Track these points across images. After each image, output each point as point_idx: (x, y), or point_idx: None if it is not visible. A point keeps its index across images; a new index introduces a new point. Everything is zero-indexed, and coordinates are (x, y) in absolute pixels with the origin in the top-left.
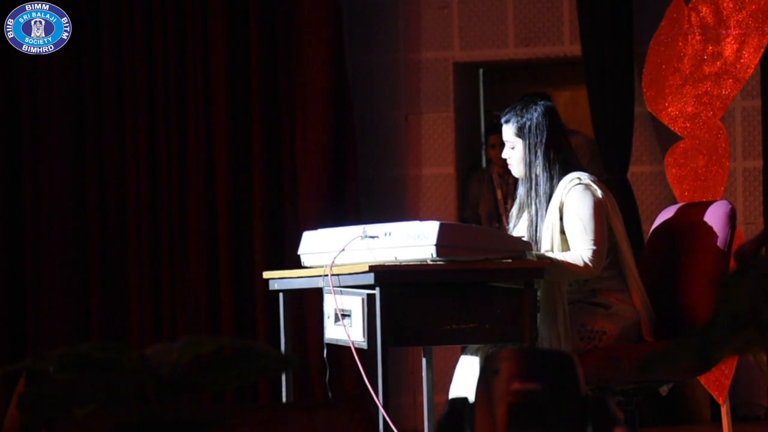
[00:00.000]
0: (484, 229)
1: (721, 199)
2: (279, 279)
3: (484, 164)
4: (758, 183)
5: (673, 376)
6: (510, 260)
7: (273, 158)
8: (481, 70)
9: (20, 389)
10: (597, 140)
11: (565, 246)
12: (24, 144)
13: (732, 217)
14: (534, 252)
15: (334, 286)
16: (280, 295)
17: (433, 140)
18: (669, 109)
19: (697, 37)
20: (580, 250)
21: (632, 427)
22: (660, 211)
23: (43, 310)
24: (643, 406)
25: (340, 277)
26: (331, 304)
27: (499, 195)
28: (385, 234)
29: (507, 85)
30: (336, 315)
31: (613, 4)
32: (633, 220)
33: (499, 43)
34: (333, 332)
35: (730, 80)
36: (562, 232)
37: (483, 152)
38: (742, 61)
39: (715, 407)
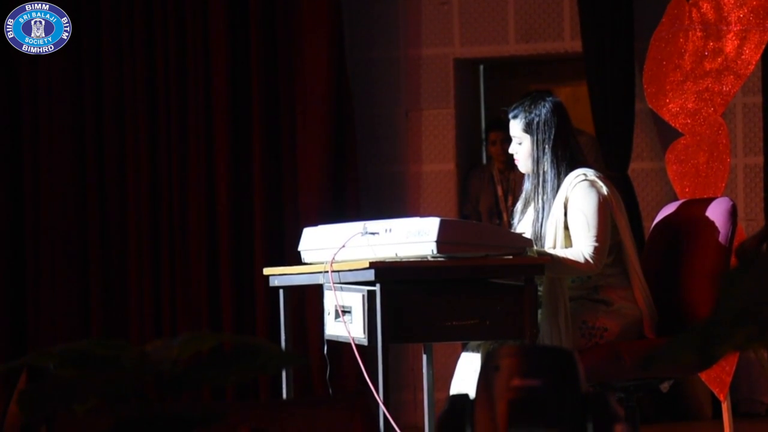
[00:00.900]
0: (485, 225)
1: (721, 195)
2: (279, 275)
3: (484, 161)
4: (759, 179)
5: (673, 372)
6: (510, 257)
7: (273, 155)
8: (481, 67)
9: (21, 386)
10: (598, 137)
11: (569, 242)
12: (24, 143)
13: (733, 214)
14: (535, 248)
15: (334, 283)
16: (281, 291)
17: (434, 137)
18: (670, 106)
19: (698, 34)
20: (581, 247)
21: (633, 424)
22: (661, 207)
23: (43, 306)
24: (644, 402)
25: (340, 273)
26: (331, 300)
27: (500, 191)
28: (386, 230)
29: (507, 82)
30: (336, 311)
31: (614, 0)
32: (634, 216)
33: (499, 39)
34: (333, 329)
35: (731, 77)
36: (566, 227)
37: (483, 149)
38: (743, 57)
39: (716, 404)
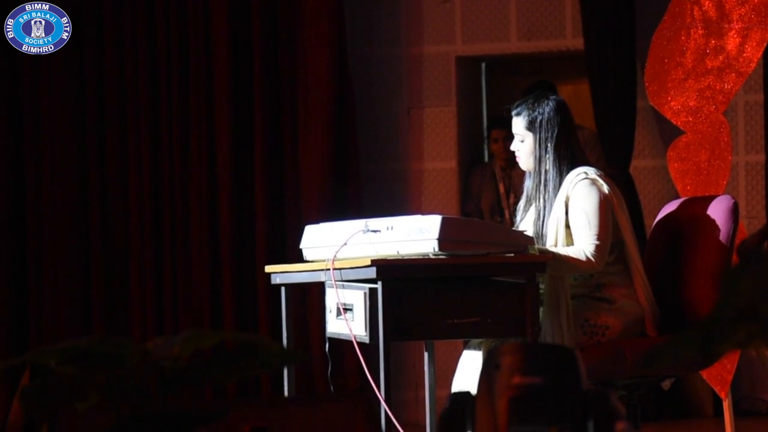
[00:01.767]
0: (487, 223)
1: (723, 193)
2: (281, 273)
3: (486, 158)
4: (760, 177)
5: (675, 370)
6: (512, 254)
7: (275, 152)
8: (483, 64)
9: (24, 383)
10: (599, 134)
11: (570, 240)
12: (26, 142)
13: (734, 212)
14: (536, 246)
15: (336, 280)
16: (282, 289)
17: (436, 134)
18: (671, 103)
19: (700, 31)
20: (583, 245)
21: (634, 422)
22: (662, 205)
23: (45, 304)
24: (646, 400)
25: (342, 271)
26: (333, 298)
27: (502, 189)
28: (387, 228)
29: (509, 79)
30: (338, 309)
31: None
32: (635, 214)
33: (501, 37)
34: (335, 326)
35: (733, 74)
36: (568, 226)
37: (485, 146)
38: (744, 55)
39: (718, 402)
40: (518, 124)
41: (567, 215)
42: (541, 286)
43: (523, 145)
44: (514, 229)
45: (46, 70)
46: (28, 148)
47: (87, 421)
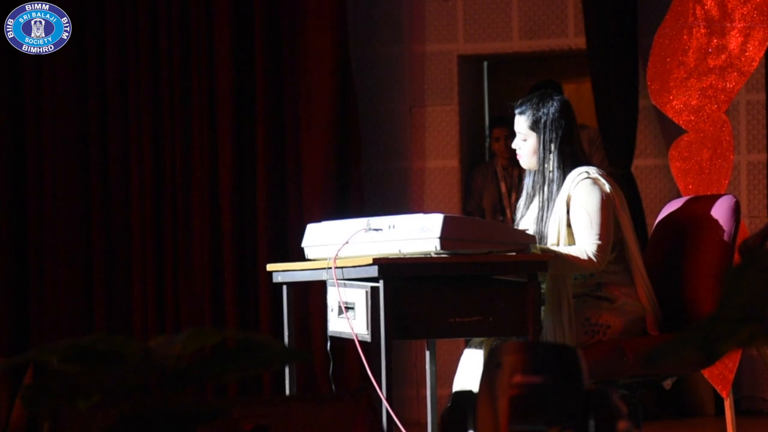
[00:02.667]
0: (488, 222)
1: (725, 192)
2: (283, 271)
3: (488, 157)
4: (762, 176)
5: (676, 369)
6: (514, 253)
7: (277, 151)
8: (485, 63)
9: (27, 382)
10: (601, 133)
11: (571, 240)
12: (28, 141)
13: (736, 211)
14: (538, 245)
15: (337, 279)
16: (284, 287)
17: (437, 133)
18: (673, 102)
19: (702, 30)
20: (584, 244)
21: (636, 421)
22: (664, 204)
23: (46, 302)
24: (647, 399)
25: (343, 269)
26: (334, 296)
27: (503, 188)
28: (389, 227)
29: (511, 78)
30: (340, 308)
31: None
32: (637, 213)
33: (503, 35)
34: (337, 325)
35: (735, 73)
36: (569, 225)
37: (487, 145)
38: (746, 54)
39: (719, 401)
40: (521, 122)
41: (568, 214)
42: (542, 285)
43: (526, 145)
44: (515, 227)
45: (47, 70)
46: (29, 148)
47: (89, 419)
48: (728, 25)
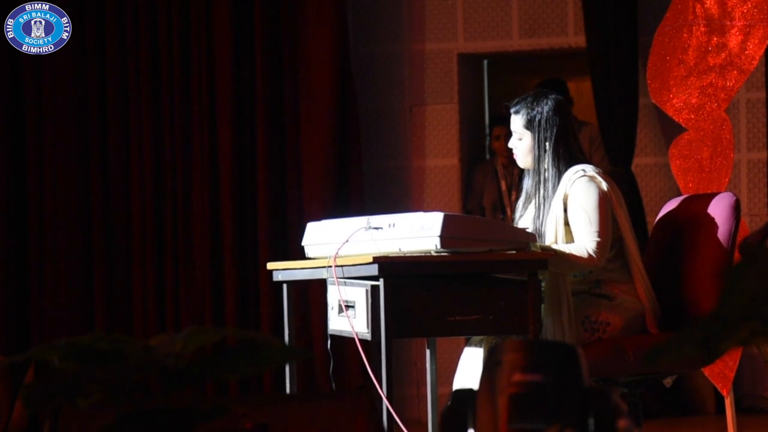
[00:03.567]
0: (488, 220)
1: (725, 190)
2: (283, 270)
3: (488, 155)
4: (762, 174)
5: (677, 367)
6: (514, 252)
7: (277, 149)
8: (485, 61)
9: (29, 380)
10: (601, 132)
11: (569, 238)
12: (28, 140)
13: (736, 209)
14: (538, 243)
15: (338, 277)
16: (284, 286)
17: (438, 131)
18: (673, 101)
19: (702, 29)
20: (584, 242)
21: (636, 419)
22: (664, 202)
23: (47, 301)
24: (647, 397)
25: (344, 268)
26: (335, 295)
27: (503, 186)
28: (389, 225)
29: (511, 77)
30: (340, 306)
31: None
32: (637, 211)
33: (503, 34)
34: (337, 323)
35: (735, 72)
36: (566, 224)
37: (487, 143)
38: (746, 52)
39: (719, 399)
40: (517, 122)
41: (566, 213)
42: (542, 283)
43: (522, 144)
44: (515, 226)
45: (47, 70)
46: (29, 148)
47: (89, 417)
48: (728, 23)
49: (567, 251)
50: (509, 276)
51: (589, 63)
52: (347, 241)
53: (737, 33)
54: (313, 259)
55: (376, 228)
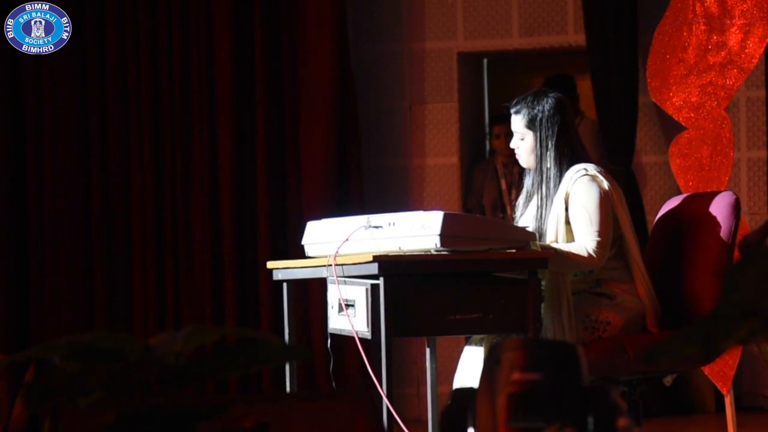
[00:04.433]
0: (488, 219)
1: (725, 189)
2: (283, 269)
3: (488, 154)
4: (762, 173)
5: (677, 366)
6: (514, 250)
7: (277, 148)
8: (485, 60)
9: (29, 379)
10: (601, 130)
11: (570, 237)
12: (28, 140)
13: (736, 208)
14: (538, 242)
15: (338, 276)
16: (284, 285)
17: (437, 130)
18: (673, 99)
19: (702, 27)
20: (584, 241)
21: (636, 418)
22: (664, 201)
23: (47, 299)
24: (647, 396)
25: (343, 267)
26: (334, 294)
27: (503, 185)
28: (389, 224)
29: (511, 75)
30: (340, 305)
31: None
32: (637, 210)
33: (503, 32)
34: (337, 322)
35: (735, 70)
36: (568, 222)
37: (487, 142)
38: (746, 51)
39: (719, 398)
40: (517, 122)
41: (567, 212)
42: (542, 282)
43: (524, 143)
44: (515, 225)
45: (47, 70)
46: (30, 148)
47: (89, 416)
48: (728, 21)
49: (567, 250)
50: (509, 275)
51: (589, 62)
52: (347, 239)
53: (737, 31)
54: (313, 258)
55: (376, 227)
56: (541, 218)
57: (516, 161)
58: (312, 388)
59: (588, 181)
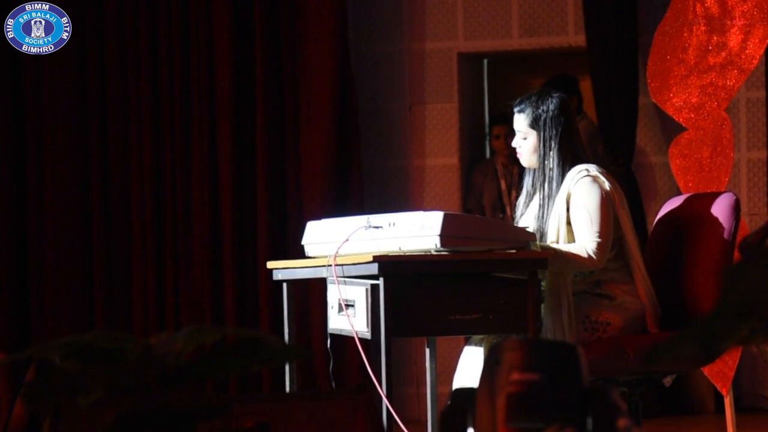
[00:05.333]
0: (488, 219)
1: (725, 190)
2: (283, 269)
3: (488, 155)
4: (762, 174)
5: (677, 367)
6: (514, 251)
7: (277, 148)
8: (485, 61)
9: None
10: (601, 131)
11: (571, 237)
12: (28, 140)
13: (736, 208)
14: (538, 243)
15: (337, 276)
16: (284, 285)
17: (437, 131)
18: (673, 100)
19: (702, 28)
20: (584, 242)
21: (636, 418)
22: (664, 202)
23: (47, 299)
24: (647, 396)
25: (343, 267)
26: (334, 294)
27: (503, 185)
28: (389, 224)
29: (511, 76)
30: (340, 305)
31: None
32: (637, 211)
33: (503, 33)
34: (337, 322)
35: (735, 71)
36: (569, 223)
37: (487, 143)
38: (746, 51)
39: (719, 398)
40: (521, 121)
41: (568, 212)
42: (542, 282)
43: (526, 143)
44: (515, 225)
45: (47, 70)
46: (29, 148)
47: (89, 416)
48: (728, 22)
49: (567, 251)
50: (509, 275)
51: (590, 62)
52: (347, 240)
53: (737, 32)
54: (313, 258)
55: (376, 227)
56: (542, 218)
57: (516, 161)
58: (312, 388)
59: (589, 182)
